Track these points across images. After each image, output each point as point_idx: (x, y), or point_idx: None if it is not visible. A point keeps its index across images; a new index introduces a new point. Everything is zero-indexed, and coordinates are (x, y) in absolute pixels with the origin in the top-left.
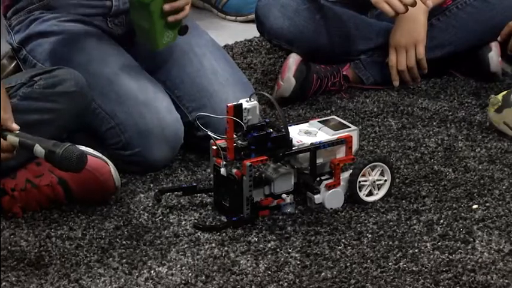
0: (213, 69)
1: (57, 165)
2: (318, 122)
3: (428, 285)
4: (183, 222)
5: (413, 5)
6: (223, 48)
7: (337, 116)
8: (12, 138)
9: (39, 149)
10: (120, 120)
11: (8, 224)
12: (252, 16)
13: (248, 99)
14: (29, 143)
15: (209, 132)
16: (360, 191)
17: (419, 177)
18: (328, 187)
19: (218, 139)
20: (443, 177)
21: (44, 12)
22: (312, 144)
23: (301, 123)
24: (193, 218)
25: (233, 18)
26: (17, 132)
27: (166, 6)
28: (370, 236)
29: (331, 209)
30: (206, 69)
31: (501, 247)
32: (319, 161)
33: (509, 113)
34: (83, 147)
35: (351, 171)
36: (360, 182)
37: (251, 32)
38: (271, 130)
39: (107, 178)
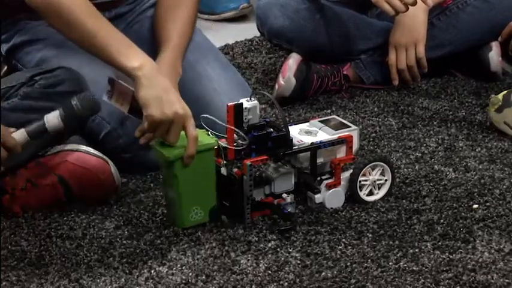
0: (207, 75)
1: (79, 114)
2: (319, 121)
3: (429, 284)
4: None
5: (414, 4)
6: (223, 47)
7: (338, 116)
8: (18, 133)
9: (51, 116)
10: (117, 124)
11: (8, 224)
12: (225, 15)
13: (248, 98)
14: (37, 125)
15: (210, 132)
16: (361, 190)
17: (419, 176)
18: (329, 187)
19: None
20: (444, 176)
21: (29, 22)
22: (312, 143)
23: (302, 122)
24: None
25: (206, 16)
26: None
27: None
28: (370, 235)
29: (332, 208)
30: (200, 76)
31: (501, 247)
32: (319, 160)
33: (509, 112)
34: (83, 147)
35: (352, 170)
36: (360, 181)
37: (251, 31)
38: (272, 130)
39: (107, 177)
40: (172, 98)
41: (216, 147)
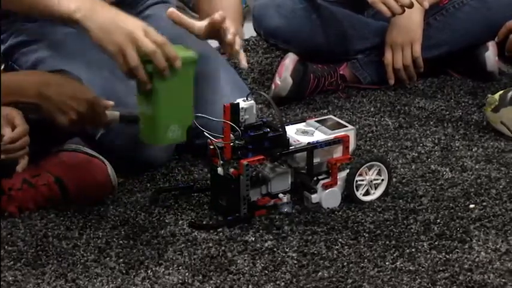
0: (206, 76)
1: None
2: (315, 121)
3: (425, 284)
4: (180, 222)
5: (410, 6)
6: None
7: (334, 116)
8: (111, 113)
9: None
10: (114, 124)
11: (5, 224)
12: None
13: (245, 98)
14: (131, 114)
15: (206, 132)
16: (357, 190)
17: (416, 176)
18: (325, 186)
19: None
20: (440, 176)
21: (25, 24)
22: (309, 143)
23: (298, 122)
24: (190, 217)
25: None
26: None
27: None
28: (367, 235)
29: (328, 208)
30: (199, 77)
31: (498, 246)
32: (316, 160)
33: (506, 112)
34: (80, 147)
35: (348, 170)
36: (356, 181)
37: (248, 31)
38: (268, 129)
39: (104, 178)
40: (118, 24)
41: (195, 60)
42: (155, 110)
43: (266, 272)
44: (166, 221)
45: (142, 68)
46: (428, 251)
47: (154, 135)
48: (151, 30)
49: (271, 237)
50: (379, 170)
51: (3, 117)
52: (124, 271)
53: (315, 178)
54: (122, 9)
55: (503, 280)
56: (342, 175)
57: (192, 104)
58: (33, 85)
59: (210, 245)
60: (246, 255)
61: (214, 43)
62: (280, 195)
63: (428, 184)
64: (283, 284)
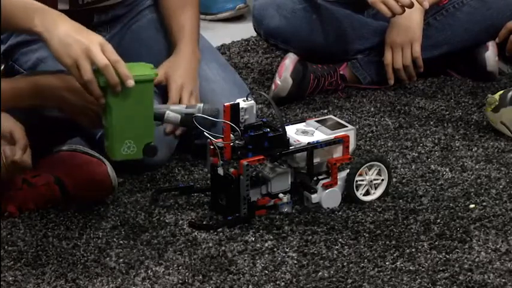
0: (205, 76)
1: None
2: (315, 121)
3: (426, 284)
4: (180, 222)
5: (410, 6)
6: (220, 47)
7: (334, 116)
8: (174, 115)
9: (172, 114)
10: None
11: (5, 224)
12: (222, 16)
13: (245, 98)
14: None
15: (205, 132)
16: (357, 190)
17: (416, 176)
18: (325, 186)
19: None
20: (440, 176)
21: None
22: (309, 143)
23: (298, 122)
24: (190, 217)
25: (202, 16)
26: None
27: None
28: (367, 235)
29: (328, 208)
30: (198, 77)
31: (498, 246)
32: (316, 160)
33: (506, 112)
34: (80, 147)
35: (348, 170)
36: (357, 181)
37: (248, 31)
38: (268, 130)
39: (104, 177)
40: (76, 37)
41: (154, 79)
42: (109, 123)
43: (266, 272)
44: (167, 221)
45: (95, 81)
46: (428, 251)
47: (109, 148)
48: (109, 46)
49: (271, 237)
50: (379, 170)
51: (23, 138)
52: (124, 271)
53: (315, 178)
54: (122, 9)
55: (503, 280)
56: (342, 175)
57: (153, 121)
58: (57, 90)
59: (210, 245)
60: (246, 255)
61: (214, 43)
62: (280, 195)
63: (428, 184)
64: (283, 284)
